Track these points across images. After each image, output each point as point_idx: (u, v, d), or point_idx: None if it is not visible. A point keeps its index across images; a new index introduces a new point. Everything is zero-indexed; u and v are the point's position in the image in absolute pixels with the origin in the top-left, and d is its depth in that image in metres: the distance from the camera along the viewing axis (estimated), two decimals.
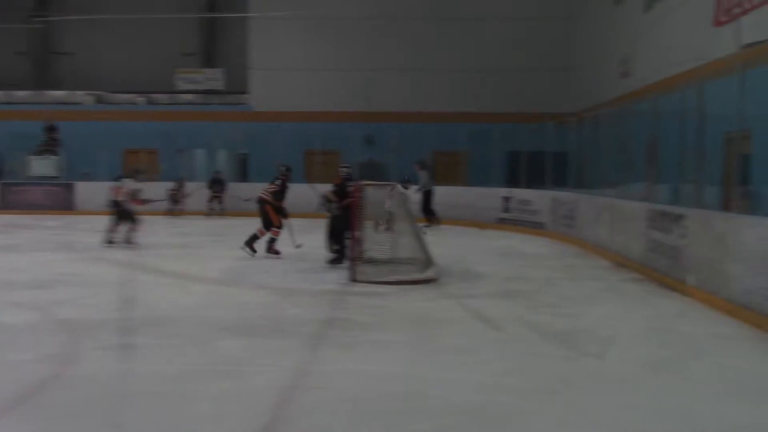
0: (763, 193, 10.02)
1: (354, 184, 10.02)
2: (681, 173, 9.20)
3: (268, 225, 11.28)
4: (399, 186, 15.97)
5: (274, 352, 5.78)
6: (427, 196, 17.01)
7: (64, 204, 21.04)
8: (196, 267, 10.41)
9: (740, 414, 4.52)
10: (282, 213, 11.29)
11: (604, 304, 8.05)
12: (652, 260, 9.52)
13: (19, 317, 6.88)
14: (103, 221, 12.65)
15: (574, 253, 12.72)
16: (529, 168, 17.00)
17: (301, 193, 19.67)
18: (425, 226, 15.86)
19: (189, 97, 25.19)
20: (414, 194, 16.54)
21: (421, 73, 22.78)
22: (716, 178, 10.90)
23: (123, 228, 12.19)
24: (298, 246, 11.19)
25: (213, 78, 25.31)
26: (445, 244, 12.72)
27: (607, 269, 10.69)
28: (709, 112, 8.53)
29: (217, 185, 20.48)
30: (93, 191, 20.92)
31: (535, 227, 15.80)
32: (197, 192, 20.37)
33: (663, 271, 9.06)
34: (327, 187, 10.90)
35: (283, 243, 11.23)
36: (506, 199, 17.13)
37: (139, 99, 24.92)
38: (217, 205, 20.42)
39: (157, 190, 17.13)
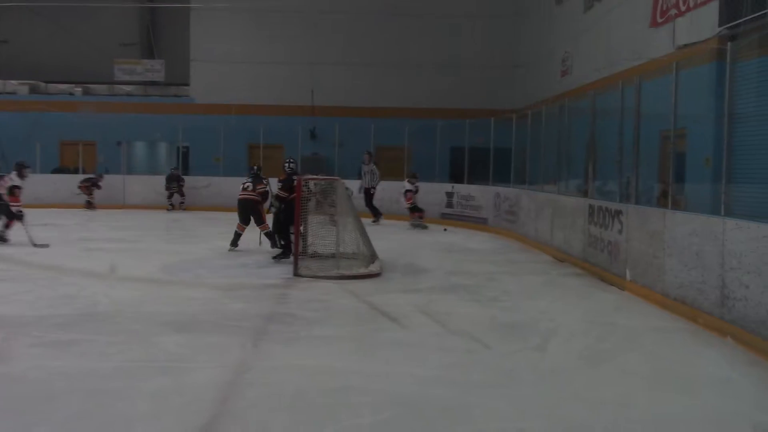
0: (696, 190, 10.32)
1: (297, 178, 9.95)
2: (619, 170, 9.40)
3: (247, 221, 11.30)
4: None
5: (215, 348, 5.71)
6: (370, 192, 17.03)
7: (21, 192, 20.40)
8: (136, 262, 10.21)
9: (674, 404, 4.64)
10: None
11: (544, 298, 8.17)
12: (591, 255, 9.71)
13: None
14: (39, 214, 12.29)
15: (516, 248, 12.89)
16: (471, 164, 17.16)
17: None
18: (373, 222, 15.94)
19: (128, 88, 24.68)
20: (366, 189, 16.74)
21: (365, 67, 22.78)
22: (653, 175, 11.19)
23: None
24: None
25: (153, 69, 24.82)
26: (388, 239, 12.76)
27: (548, 264, 10.87)
28: (646, 111, 8.74)
29: (173, 182, 20.18)
30: (27, 183, 20.35)
31: (478, 222, 15.96)
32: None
33: (602, 266, 9.26)
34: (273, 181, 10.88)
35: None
36: (449, 194, 17.26)
37: (77, 89, 24.29)
38: (178, 201, 20.16)
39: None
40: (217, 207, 18.93)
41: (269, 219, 11.06)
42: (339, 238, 9.62)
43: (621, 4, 14.37)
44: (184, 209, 19.99)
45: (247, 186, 11.42)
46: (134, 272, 9.31)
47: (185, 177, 20.57)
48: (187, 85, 23.79)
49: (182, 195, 20.21)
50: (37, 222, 14.89)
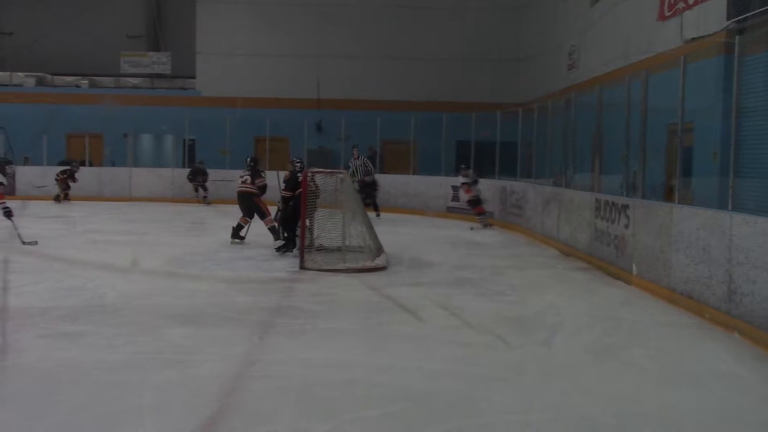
0: (703, 185, 10.30)
1: (304, 172, 9.95)
2: (626, 164, 9.38)
3: (251, 214, 11.25)
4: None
5: (221, 341, 5.72)
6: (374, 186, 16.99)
7: (4, 189, 20.40)
8: (143, 254, 10.24)
9: (681, 398, 4.64)
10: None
11: (551, 293, 8.16)
12: (598, 249, 9.69)
13: None
14: (44, 206, 12.30)
15: (522, 242, 12.88)
16: (477, 157, 17.13)
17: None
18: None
19: (134, 80, 24.69)
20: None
21: (371, 60, 22.75)
22: (660, 169, 11.17)
23: None
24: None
25: (159, 62, 24.82)
26: (394, 232, 12.76)
27: (555, 258, 10.86)
28: (653, 104, 8.71)
29: (199, 176, 19.93)
30: (35, 176, 20.45)
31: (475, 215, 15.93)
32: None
33: (608, 260, 9.24)
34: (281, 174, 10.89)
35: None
36: (455, 188, 17.24)
37: (83, 82, 24.32)
38: (201, 195, 19.94)
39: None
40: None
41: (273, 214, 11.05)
42: (345, 232, 9.62)
43: None
44: (209, 203, 19.66)
45: (246, 179, 11.30)
46: (141, 264, 9.34)
47: (187, 170, 20.49)
48: (193, 77, 23.80)
49: (206, 189, 19.95)
50: (45, 214, 14.95)
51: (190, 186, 20.06)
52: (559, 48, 18.76)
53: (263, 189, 11.35)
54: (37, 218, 10.92)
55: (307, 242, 9.52)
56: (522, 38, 22.52)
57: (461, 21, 22.60)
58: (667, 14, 12.10)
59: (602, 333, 6.36)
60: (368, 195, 16.09)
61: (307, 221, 9.67)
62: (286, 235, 10.32)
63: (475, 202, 15.01)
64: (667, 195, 10.25)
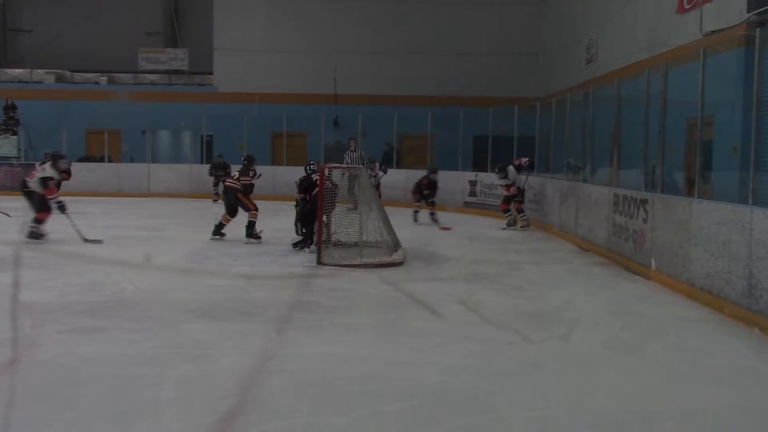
0: (723, 179, 10.20)
1: (320, 168, 9.97)
2: (644, 158, 9.32)
3: (233, 212, 11.19)
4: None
5: (239, 335, 5.75)
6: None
7: (24, 185, 20.58)
8: (161, 250, 10.31)
9: (700, 394, 4.61)
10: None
11: (568, 288, 8.13)
12: (616, 244, 9.64)
13: None
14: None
15: (539, 237, 12.83)
16: (495, 152, 17.07)
17: (266, 177, 19.58)
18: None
19: (152, 77, 24.83)
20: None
21: (388, 56, 22.72)
22: (679, 163, 11.08)
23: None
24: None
25: (177, 58, 24.94)
26: (412, 227, 12.75)
27: (573, 253, 10.81)
28: (672, 98, 8.64)
29: (220, 170, 18.85)
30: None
31: (501, 211, 15.88)
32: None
33: (627, 255, 9.19)
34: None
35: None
36: (472, 183, 17.20)
37: (101, 78, 24.50)
38: (222, 189, 19.54)
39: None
40: (265, 196, 18.73)
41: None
42: (362, 227, 9.63)
43: None
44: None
45: (234, 175, 11.33)
46: (160, 260, 9.40)
47: (205, 166, 20.48)
48: (210, 74, 23.90)
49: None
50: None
51: (208, 182, 20.07)
52: (577, 42, 18.64)
53: (248, 187, 11.24)
54: (56, 214, 10.97)
55: (324, 237, 9.53)
56: (540, 32, 22.40)
57: (479, 15, 22.52)
58: (687, 7, 11.99)
59: (621, 328, 6.32)
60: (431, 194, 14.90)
61: (324, 217, 9.68)
62: (304, 231, 10.34)
63: (512, 200, 13.96)
64: (686, 189, 10.17)
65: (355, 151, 16.98)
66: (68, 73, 24.71)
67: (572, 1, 19.49)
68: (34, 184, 10.82)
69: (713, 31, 11.11)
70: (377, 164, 16.76)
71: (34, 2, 26.14)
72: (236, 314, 6.52)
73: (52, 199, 10.78)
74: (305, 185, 10.46)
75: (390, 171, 18.14)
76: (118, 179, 20.95)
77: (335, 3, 22.76)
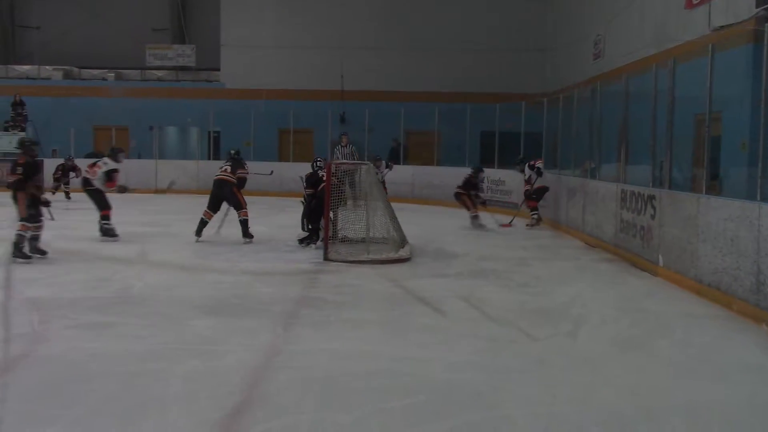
0: (731, 175, 10.16)
1: (326, 164, 9.97)
2: (652, 154, 9.28)
3: (218, 207, 10.88)
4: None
5: (245, 331, 5.76)
6: None
7: (87, 183, 20.61)
8: (168, 246, 10.33)
9: (708, 391, 4.59)
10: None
11: (575, 284, 8.11)
12: (623, 241, 9.61)
13: None
14: (73, 199, 12.41)
15: (547, 233, 12.80)
16: (502, 148, 17.04)
17: (277, 172, 19.60)
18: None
19: (160, 73, 24.85)
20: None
21: (394, 52, 22.67)
22: (687, 159, 11.03)
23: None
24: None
25: (184, 54, 24.94)
26: (419, 223, 12.73)
27: (580, 249, 10.79)
28: (680, 94, 8.60)
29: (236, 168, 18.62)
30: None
31: (508, 207, 15.86)
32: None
33: (634, 252, 9.16)
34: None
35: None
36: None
37: (109, 75, 24.54)
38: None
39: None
40: (271, 193, 18.79)
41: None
42: (369, 223, 9.63)
43: None
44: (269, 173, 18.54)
45: (225, 168, 10.95)
46: (167, 256, 9.42)
47: (212, 162, 20.40)
48: (217, 70, 23.91)
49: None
50: (72, 206, 15.13)
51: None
52: (584, 37, 18.57)
53: (242, 181, 11.03)
54: (64, 210, 11.01)
55: (330, 234, 9.53)
56: (547, 28, 22.31)
57: (486, 11, 22.43)
58: (695, 2, 11.93)
59: (628, 325, 6.31)
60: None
61: (331, 214, 9.68)
62: (310, 227, 10.34)
63: (531, 196, 13.77)
64: (694, 185, 10.13)
65: (346, 146, 16.85)
66: (76, 70, 24.75)
67: None
68: (98, 181, 10.93)
69: (722, 27, 11.05)
70: (383, 162, 16.69)
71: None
72: (243, 310, 6.54)
73: (112, 189, 10.99)
74: (312, 181, 10.47)
75: (396, 167, 18.11)
76: (125, 175, 20.89)
77: None
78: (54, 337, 5.54)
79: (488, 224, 13.13)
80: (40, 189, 8.93)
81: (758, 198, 6.39)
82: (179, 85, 24.28)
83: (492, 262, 9.48)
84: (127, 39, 25.18)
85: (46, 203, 9.15)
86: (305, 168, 11.32)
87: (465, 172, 17.18)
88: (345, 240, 9.93)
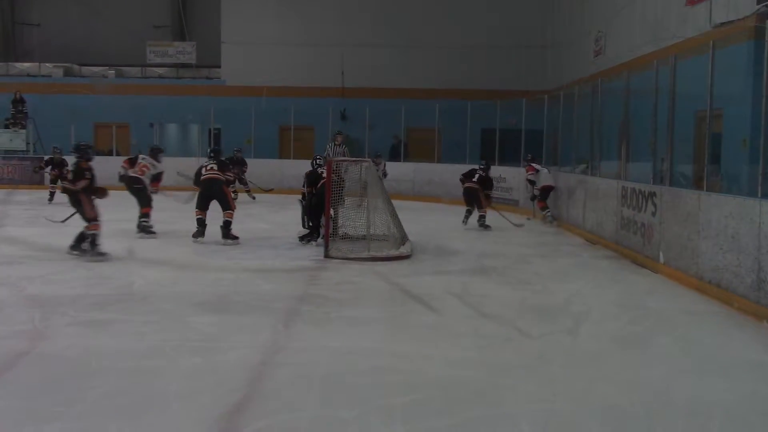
0: (732, 172, 10.15)
1: (327, 161, 9.97)
2: (653, 151, 9.28)
3: (207, 206, 10.61)
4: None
5: (247, 328, 5.76)
6: None
7: (33, 178, 20.65)
8: (169, 243, 10.33)
9: (709, 387, 4.59)
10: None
11: (576, 281, 8.12)
12: (624, 238, 9.61)
13: None
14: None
15: (547, 230, 12.80)
16: (502, 145, 17.03)
17: (274, 170, 19.60)
18: None
19: (160, 70, 24.84)
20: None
21: (395, 49, 22.64)
22: (688, 156, 11.03)
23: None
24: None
25: (184, 51, 24.92)
26: (419, 220, 12.74)
27: (580, 246, 10.79)
28: (681, 90, 8.60)
29: (236, 166, 16.97)
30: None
31: (508, 204, 15.86)
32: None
33: (635, 249, 9.16)
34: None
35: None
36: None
37: (109, 72, 24.53)
38: (238, 185, 17.26)
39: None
40: (278, 190, 18.75)
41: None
42: (369, 220, 9.63)
43: None
44: (254, 198, 17.56)
45: (212, 167, 10.64)
46: (168, 253, 9.43)
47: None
48: (218, 67, 23.89)
49: (244, 183, 17.52)
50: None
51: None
52: (585, 34, 18.55)
53: (230, 182, 11.03)
54: (65, 206, 10.93)
55: (331, 231, 9.53)
56: (548, 24, 22.27)
57: (487, 8, 22.39)
58: None
59: (629, 322, 6.31)
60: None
61: (332, 211, 9.68)
62: (310, 224, 10.34)
63: (539, 196, 13.85)
64: (695, 182, 10.12)
65: (339, 145, 16.61)
66: (76, 67, 24.72)
67: None
68: (147, 180, 11.16)
69: (723, 23, 11.03)
70: (383, 161, 16.63)
71: None
72: (244, 307, 6.54)
73: (155, 190, 11.29)
74: (311, 179, 10.47)
75: (397, 164, 18.10)
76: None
77: None
78: (55, 335, 5.54)
79: (493, 225, 13.12)
80: (103, 191, 9.14)
81: (759, 195, 6.39)
82: (180, 82, 24.27)
83: (493, 259, 9.48)
84: (128, 36, 25.16)
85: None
86: (306, 165, 11.31)
87: (465, 168, 17.16)
88: (346, 237, 9.93)
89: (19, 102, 22.20)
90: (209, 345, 5.26)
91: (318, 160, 10.75)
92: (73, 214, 9.51)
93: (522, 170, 15.12)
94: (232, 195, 10.94)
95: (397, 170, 18.13)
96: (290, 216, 11.40)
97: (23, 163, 21.15)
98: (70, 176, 9.28)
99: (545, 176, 13.75)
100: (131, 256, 9.12)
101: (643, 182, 9.22)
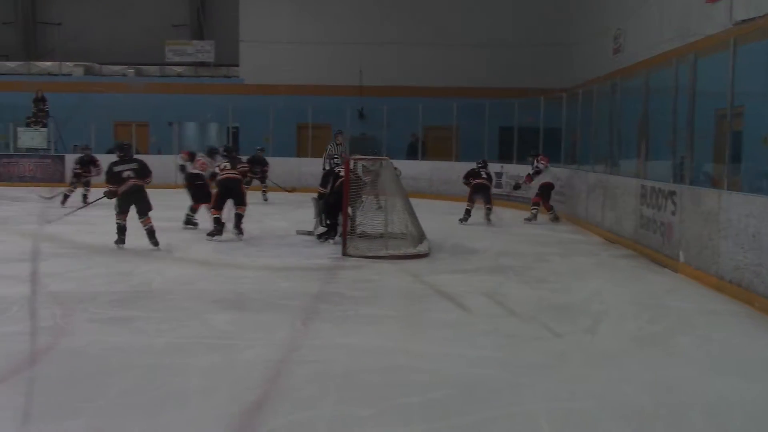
0: (754, 170, 10.06)
1: (345, 159, 9.98)
2: (673, 150, 9.21)
3: (222, 205, 10.64)
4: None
5: (265, 326, 5.79)
6: None
7: (54, 176, 20.86)
8: (188, 241, 10.39)
9: (729, 388, 4.56)
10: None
11: (595, 280, 8.08)
12: (643, 237, 9.55)
13: (12, 289, 6.84)
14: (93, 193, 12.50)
15: (566, 229, 12.74)
16: (521, 144, 16.98)
17: (292, 168, 19.63)
18: None
19: (179, 69, 24.98)
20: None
21: (413, 47, 22.62)
22: (708, 154, 10.94)
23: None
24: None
25: (203, 50, 25.05)
26: (437, 219, 12.71)
27: (599, 245, 10.73)
28: (701, 88, 8.52)
29: (257, 165, 17.10)
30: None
31: (526, 203, 15.80)
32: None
33: (654, 248, 9.10)
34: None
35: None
36: (498, 174, 17.10)
37: (129, 71, 24.70)
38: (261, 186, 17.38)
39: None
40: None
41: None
42: (387, 219, 9.63)
43: None
44: (266, 199, 16.96)
45: (226, 166, 10.63)
46: (186, 251, 9.48)
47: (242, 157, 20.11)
48: (236, 65, 23.98)
49: (264, 182, 17.24)
50: (91, 200, 15.23)
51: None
52: (604, 32, 18.43)
53: (245, 174, 11.25)
54: (103, 206, 11.00)
55: (349, 229, 9.53)
56: (567, 22, 22.14)
57: (505, 6, 22.32)
58: None
59: (648, 321, 6.27)
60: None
61: (349, 209, 9.69)
62: (327, 222, 10.36)
63: (540, 193, 13.79)
64: (715, 181, 10.04)
65: (341, 144, 16.43)
66: (97, 66, 24.91)
67: None
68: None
69: (744, 20, 10.93)
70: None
71: None
72: (262, 305, 6.57)
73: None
74: (326, 179, 10.48)
75: (415, 163, 18.06)
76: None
77: None
78: (76, 331, 5.60)
79: (510, 224, 13.11)
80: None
81: None
82: (198, 81, 24.39)
83: (511, 257, 9.45)
84: (147, 35, 25.32)
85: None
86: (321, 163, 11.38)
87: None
88: (363, 235, 9.93)
89: (40, 101, 22.40)
90: (227, 343, 5.29)
91: (335, 160, 10.80)
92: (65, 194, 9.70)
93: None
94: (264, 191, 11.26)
95: (415, 169, 18.11)
96: (307, 214, 11.41)
97: (44, 161, 21.36)
98: (132, 174, 9.59)
99: (549, 174, 13.83)
100: (154, 254, 9.17)
101: (663, 181, 9.15)
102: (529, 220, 13.51)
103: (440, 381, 4.51)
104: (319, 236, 10.32)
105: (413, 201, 10.62)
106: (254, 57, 23.30)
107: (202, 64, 25.05)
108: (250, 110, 21.50)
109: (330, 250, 9.61)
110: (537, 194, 13.79)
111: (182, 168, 12.00)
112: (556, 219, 13.49)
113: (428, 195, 17.87)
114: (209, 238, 10.35)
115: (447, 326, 5.93)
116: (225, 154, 11.18)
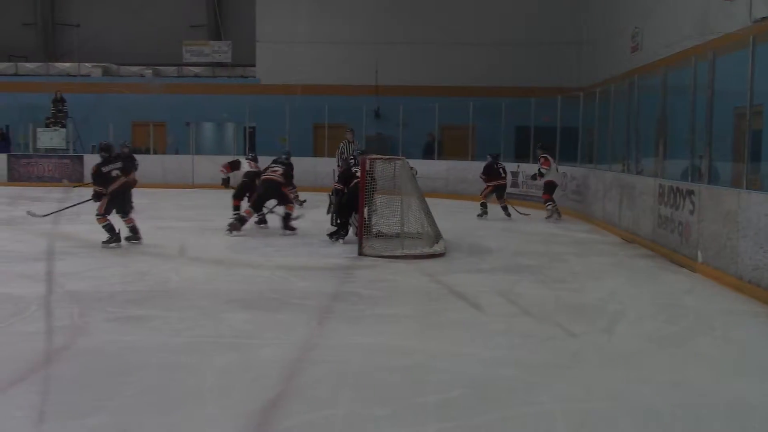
0: None
1: (362, 159, 9.97)
2: (691, 149, 9.14)
3: (261, 207, 11.25)
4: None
5: (280, 325, 5.80)
6: None
7: (73, 176, 21.02)
8: (205, 240, 10.44)
9: (747, 389, 4.51)
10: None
11: (612, 280, 8.04)
12: (661, 236, 9.48)
13: (29, 289, 6.90)
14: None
15: (582, 228, 12.68)
16: (537, 143, 16.89)
17: (308, 168, 19.67)
18: None
19: (196, 69, 25.11)
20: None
21: (429, 46, 22.60)
22: (727, 153, 10.84)
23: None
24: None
25: (220, 51, 25.17)
26: (453, 219, 12.70)
27: (616, 245, 10.67)
28: (720, 87, 8.45)
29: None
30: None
31: (538, 202, 15.73)
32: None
33: (672, 247, 9.03)
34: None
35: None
36: (514, 174, 17.05)
37: (147, 71, 24.87)
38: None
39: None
40: (307, 188, 18.58)
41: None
42: (403, 218, 9.62)
43: None
44: (301, 203, 15.00)
45: (276, 169, 11.08)
46: (203, 251, 9.52)
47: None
48: (253, 66, 24.06)
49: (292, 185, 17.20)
50: None
51: None
52: (622, 30, 18.31)
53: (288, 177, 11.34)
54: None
55: (364, 229, 9.53)
56: (584, 21, 22.03)
57: (521, 4, 22.24)
58: None
59: (666, 321, 6.23)
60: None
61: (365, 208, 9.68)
62: (339, 221, 10.36)
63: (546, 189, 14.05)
64: (735, 180, 9.95)
65: (353, 142, 16.25)
66: (114, 67, 25.11)
67: None
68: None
69: (763, 18, 10.83)
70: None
71: None
72: (278, 304, 6.58)
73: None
74: (344, 177, 10.49)
75: (431, 162, 18.01)
76: (162, 171, 21.23)
77: None
78: (93, 330, 5.64)
79: (526, 224, 13.07)
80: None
81: None
82: (215, 81, 24.52)
83: (527, 257, 9.41)
84: (165, 36, 25.48)
85: None
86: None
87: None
88: (379, 235, 9.93)
89: (59, 101, 22.60)
90: (244, 342, 5.31)
91: (351, 159, 10.83)
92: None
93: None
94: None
95: (431, 168, 18.09)
96: (323, 214, 11.43)
97: (63, 162, 21.54)
98: (119, 173, 9.71)
99: (554, 173, 13.94)
100: (170, 253, 9.22)
101: (681, 180, 9.07)
102: (548, 218, 13.55)
103: (456, 380, 4.50)
104: (330, 235, 10.31)
105: (429, 200, 10.60)
106: (271, 57, 23.37)
107: (219, 64, 25.16)
108: (266, 110, 21.56)
109: (346, 249, 9.61)
110: (544, 192, 13.99)
111: (226, 181, 12.09)
112: (555, 215, 13.66)
113: (444, 194, 17.85)
114: (228, 232, 10.62)
115: (463, 326, 5.92)
116: (284, 158, 11.59)
